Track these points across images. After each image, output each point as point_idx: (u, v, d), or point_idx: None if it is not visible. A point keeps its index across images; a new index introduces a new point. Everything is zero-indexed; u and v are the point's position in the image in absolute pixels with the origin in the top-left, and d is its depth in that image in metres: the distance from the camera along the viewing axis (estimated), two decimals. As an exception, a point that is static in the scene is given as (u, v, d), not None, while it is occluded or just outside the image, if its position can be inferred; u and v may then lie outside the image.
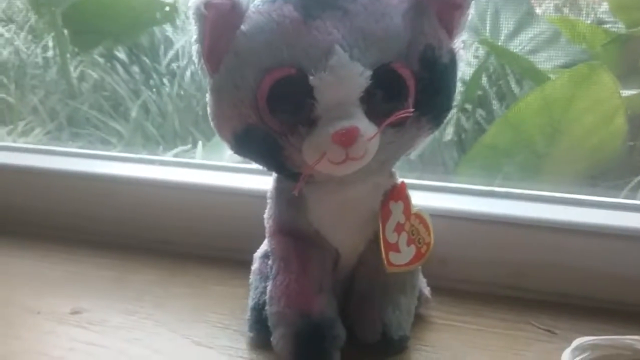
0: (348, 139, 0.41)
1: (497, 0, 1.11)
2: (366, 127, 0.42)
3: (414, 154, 0.53)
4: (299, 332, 0.48)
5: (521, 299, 0.58)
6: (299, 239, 0.50)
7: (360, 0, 0.42)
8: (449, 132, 1.02)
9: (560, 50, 1.06)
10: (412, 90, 0.43)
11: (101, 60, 1.40)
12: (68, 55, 1.38)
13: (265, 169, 0.48)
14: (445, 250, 0.52)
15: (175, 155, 1.12)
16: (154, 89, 1.33)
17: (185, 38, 1.45)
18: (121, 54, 1.41)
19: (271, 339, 0.49)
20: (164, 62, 1.38)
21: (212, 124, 0.47)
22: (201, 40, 0.43)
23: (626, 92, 0.94)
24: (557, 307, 0.56)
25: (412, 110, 0.43)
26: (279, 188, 0.51)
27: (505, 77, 1.11)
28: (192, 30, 0.43)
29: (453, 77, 0.46)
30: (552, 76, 1.01)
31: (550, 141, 0.95)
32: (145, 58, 1.40)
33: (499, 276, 0.59)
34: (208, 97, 0.46)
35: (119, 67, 1.39)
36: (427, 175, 0.86)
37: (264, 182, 0.63)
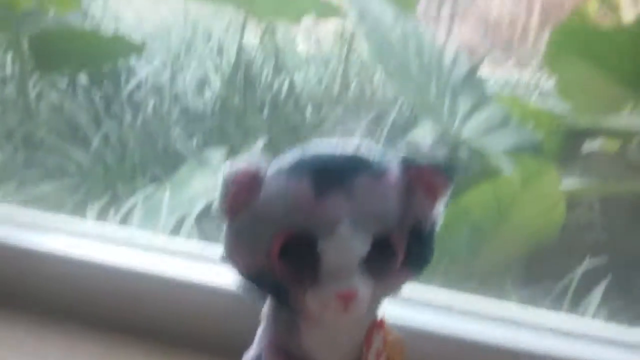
0: (348, 298, 0.48)
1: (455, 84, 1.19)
2: (363, 288, 0.49)
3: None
4: None
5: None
6: (290, 357, 0.56)
7: (364, 184, 0.49)
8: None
9: (509, 133, 1.16)
10: (401, 255, 0.51)
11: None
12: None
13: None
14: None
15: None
16: (115, 118, 1.34)
17: (147, 69, 1.46)
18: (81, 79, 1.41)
19: None
20: (125, 92, 1.39)
21: (225, 253, 0.52)
22: (223, 199, 0.49)
23: (566, 181, 1.05)
24: None
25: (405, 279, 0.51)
26: (275, 309, 0.57)
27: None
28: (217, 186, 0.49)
29: (434, 238, 0.53)
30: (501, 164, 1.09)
31: (496, 225, 1.05)
32: (107, 84, 1.40)
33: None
34: (224, 234, 0.52)
35: (79, 91, 1.40)
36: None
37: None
